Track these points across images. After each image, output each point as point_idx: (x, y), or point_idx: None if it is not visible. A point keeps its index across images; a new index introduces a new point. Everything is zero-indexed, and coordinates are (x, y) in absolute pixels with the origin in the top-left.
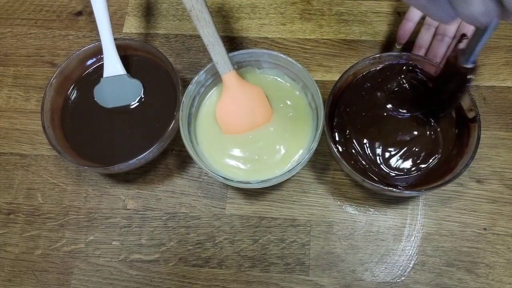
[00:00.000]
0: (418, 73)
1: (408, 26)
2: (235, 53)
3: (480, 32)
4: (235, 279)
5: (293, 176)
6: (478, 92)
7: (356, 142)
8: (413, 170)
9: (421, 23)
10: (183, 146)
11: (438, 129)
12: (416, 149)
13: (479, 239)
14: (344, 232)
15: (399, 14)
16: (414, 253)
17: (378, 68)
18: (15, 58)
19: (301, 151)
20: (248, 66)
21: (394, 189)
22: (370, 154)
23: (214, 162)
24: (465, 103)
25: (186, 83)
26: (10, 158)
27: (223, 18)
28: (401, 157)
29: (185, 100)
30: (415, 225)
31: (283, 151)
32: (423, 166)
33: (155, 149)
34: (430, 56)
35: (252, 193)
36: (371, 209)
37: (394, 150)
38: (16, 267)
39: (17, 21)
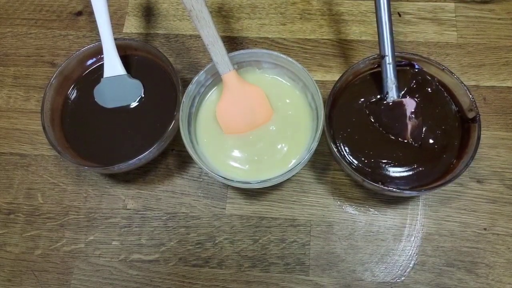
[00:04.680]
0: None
1: None
2: (235, 53)
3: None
4: (235, 279)
5: (293, 176)
6: (478, 92)
7: (356, 142)
8: (413, 170)
9: None
10: (183, 146)
11: (438, 129)
12: (416, 149)
13: (479, 239)
14: (344, 232)
15: (399, 14)
16: (414, 253)
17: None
18: (15, 58)
19: (301, 151)
20: (248, 66)
21: (394, 189)
22: (371, 154)
23: (214, 162)
24: (465, 103)
25: (186, 83)
26: (10, 158)
27: (223, 18)
28: (401, 156)
29: (185, 100)
30: (415, 225)
31: (283, 151)
32: (423, 166)
33: (155, 149)
34: None
35: (252, 193)
36: (371, 209)
37: (394, 150)
38: (16, 267)
39: (17, 21)
